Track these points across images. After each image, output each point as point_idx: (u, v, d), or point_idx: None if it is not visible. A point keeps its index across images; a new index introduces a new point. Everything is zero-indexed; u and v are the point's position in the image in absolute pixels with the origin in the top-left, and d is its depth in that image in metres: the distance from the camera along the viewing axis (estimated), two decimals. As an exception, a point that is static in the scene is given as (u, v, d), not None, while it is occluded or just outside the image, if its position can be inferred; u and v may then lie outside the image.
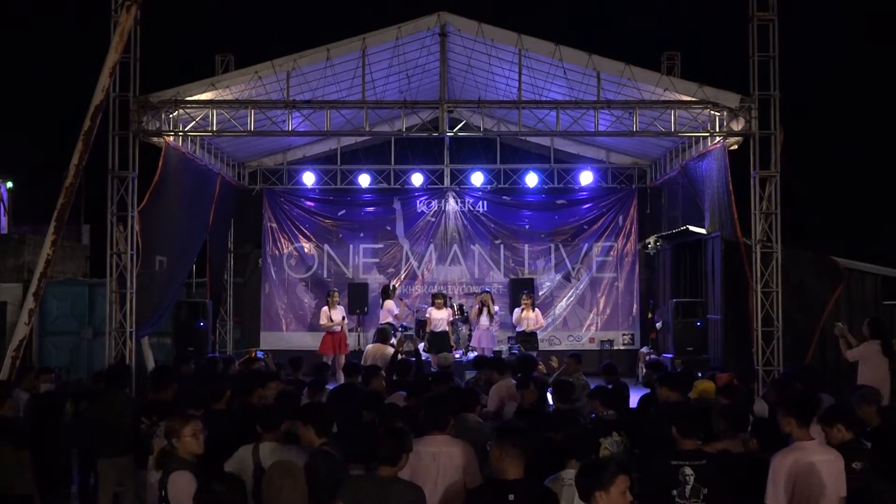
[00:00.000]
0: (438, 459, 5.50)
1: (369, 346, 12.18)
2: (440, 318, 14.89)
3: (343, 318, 15.26)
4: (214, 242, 15.75)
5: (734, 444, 6.07)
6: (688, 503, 5.08)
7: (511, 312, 16.53)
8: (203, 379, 8.85)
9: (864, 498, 5.42)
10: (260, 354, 14.05)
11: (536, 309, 15.30)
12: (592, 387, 8.47)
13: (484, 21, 12.63)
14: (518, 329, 14.98)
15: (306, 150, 17.57)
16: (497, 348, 15.81)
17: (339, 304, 15.35)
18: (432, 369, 11.93)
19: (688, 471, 5.13)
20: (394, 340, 12.98)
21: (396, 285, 16.74)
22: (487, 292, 15.67)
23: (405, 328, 15.28)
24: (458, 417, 6.46)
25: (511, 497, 4.53)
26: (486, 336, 15.10)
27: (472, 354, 14.35)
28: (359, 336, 16.30)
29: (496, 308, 15.44)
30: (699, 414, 5.71)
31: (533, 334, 14.84)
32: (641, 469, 5.75)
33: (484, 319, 15.11)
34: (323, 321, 15.14)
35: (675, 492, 5.10)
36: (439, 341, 14.46)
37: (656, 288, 17.09)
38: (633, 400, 9.24)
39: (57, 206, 9.83)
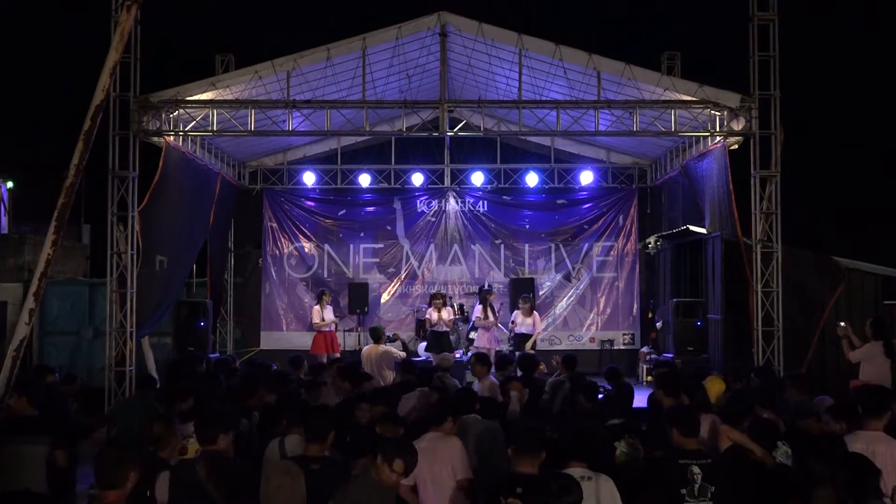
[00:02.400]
0: (428, 454, 5.66)
1: (365, 348, 12.16)
2: (440, 318, 14.82)
3: (333, 319, 15.19)
4: (215, 242, 15.75)
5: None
6: (696, 502, 5.12)
7: (511, 313, 16.50)
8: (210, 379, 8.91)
9: None
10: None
11: (535, 312, 15.16)
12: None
13: (484, 21, 12.63)
14: (517, 331, 14.86)
15: (306, 150, 17.56)
16: (499, 348, 15.75)
17: (329, 304, 15.31)
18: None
19: (695, 469, 5.19)
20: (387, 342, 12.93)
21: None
22: (490, 290, 15.52)
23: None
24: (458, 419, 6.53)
25: (519, 490, 4.63)
26: (490, 336, 14.97)
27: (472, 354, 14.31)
28: (359, 336, 16.29)
29: (497, 306, 15.30)
30: (696, 414, 5.76)
31: (527, 336, 14.71)
32: (649, 468, 5.80)
33: (489, 318, 15.02)
34: (316, 320, 15.07)
35: (683, 491, 5.15)
36: (439, 342, 14.43)
37: (656, 288, 17.09)
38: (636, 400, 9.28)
39: (57, 205, 9.80)
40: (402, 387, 8.46)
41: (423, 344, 15.47)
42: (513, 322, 14.93)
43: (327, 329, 15.00)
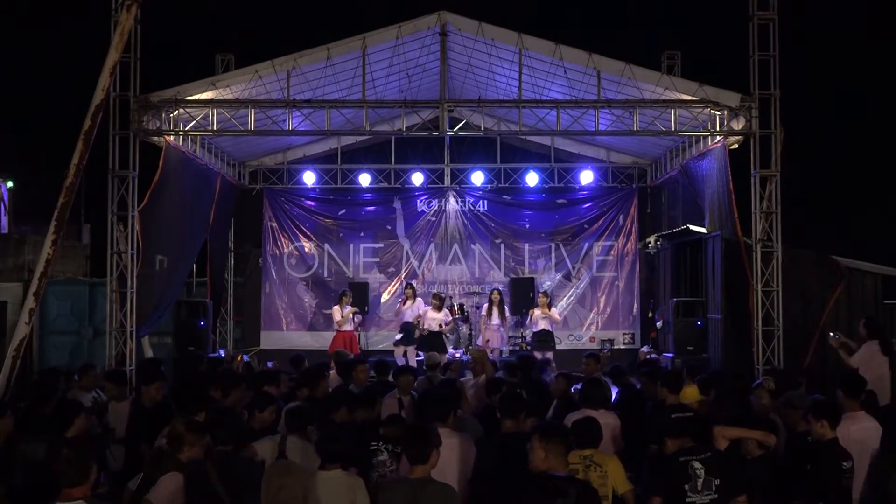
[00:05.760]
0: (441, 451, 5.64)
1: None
2: (434, 318, 14.89)
3: (352, 308, 15.25)
4: (215, 242, 15.75)
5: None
6: (700, 496, 5.11)
7: (511, 312, 16.54)
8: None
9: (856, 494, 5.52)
10: (246, 359, 14.15)
11: (553, 308, 15.22)
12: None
13: (484, 20, 12.63)
14: (533, 329, 14.96)
15: (306, 150, 17.56)
16: (507, 347, 15.79)
17: (349, 305, 15.32)
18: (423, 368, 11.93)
19: (696, 464, 5.18)
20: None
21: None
22: (498, 290, 15.58)
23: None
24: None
25: (554, 490, 4.60)
26: (497, 336, 15.04)
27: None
28: (359, 335, 16.29)
29: (505, 308, 15.42)
30: (687, 417, 5.79)
31: (549, 333, 14.80)
32: (650, 466, 5.81)
33: (495, 318, 15.08)
34: (337, 318, 15.10)
35: (686, 486, 5.14)
36: (431, 341, 14.50)
37: (657, 287, 17.08)
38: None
39: (57, 205, 9.82)
40: (380, 388, 8.49)
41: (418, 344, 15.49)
42: (530, 320, 15.01)
43: (348, 328, 15.01)
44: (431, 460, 4.92)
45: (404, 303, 15.38)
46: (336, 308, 15.23)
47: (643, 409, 7.94)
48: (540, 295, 15.31)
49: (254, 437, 6.04)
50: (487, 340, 15.05)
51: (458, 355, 14.76)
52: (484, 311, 15.32)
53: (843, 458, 5.78)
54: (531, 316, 15.07)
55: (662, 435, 5.57)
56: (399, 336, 15.18)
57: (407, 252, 17.56)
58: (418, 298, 15.45)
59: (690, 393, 7.67)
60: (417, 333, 15.09)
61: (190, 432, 5.32)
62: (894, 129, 22.36)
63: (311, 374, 8.55)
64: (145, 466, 5.63)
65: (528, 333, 15.26)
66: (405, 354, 14.90)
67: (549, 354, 14.32)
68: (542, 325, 14.74)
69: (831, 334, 10.34)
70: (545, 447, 4.91)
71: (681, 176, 15.09)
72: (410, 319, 15.11)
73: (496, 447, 5.74)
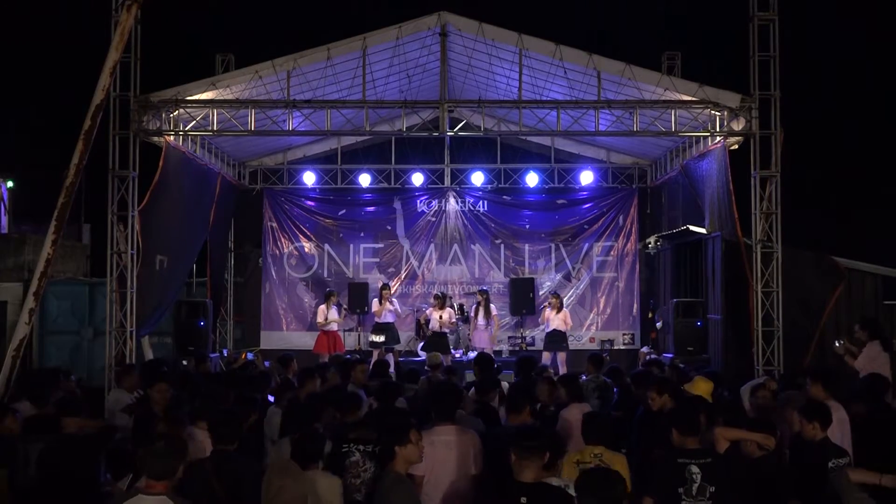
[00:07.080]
0: (454, 447, 5.71)
1: None
2: (438, 318, 14.91)
3: (336, 318, 15.30)
4: (215, 242, 15.75)
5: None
6: (694, 501, 5.09)
7: (511, 312, 16.59)
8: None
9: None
10: (250, 356, 14.18)
11: (564, 309, 15.29)
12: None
13: (484, 21, 12.64)
14: (546, 328, 15.01)
15: (306, 150, 17.56)
16: (497, 348, 15.81)
17: (335, 305, 15.37)
18: (425, 369, 11.94)
19: (694, 469, 5.16)
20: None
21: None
22: (484, 291, 15.65)
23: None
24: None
25: (524, 500, 4.54)
26: (485, 336, 15.09)
27: (472, 354, 14.35)
28: (359, 336, 16.29)
29: (492, 307, 15.45)
30: (695, 413, 5.76)
31: (562, 334, 14.84)
32: (647, 466, 5.80)
33: (480, 320, 15.14)
34: (319, 319, 15.18)
35: (681, 489, 5.12)
36: (437, 342, 14.50)
37: (657, 288, 17.08)
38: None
39: (57, 205, 9.82)
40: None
41: (423, 344, 15.50)
42: (542, 319, 15.11)
43: (330, 329, 15.03)
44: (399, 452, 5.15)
45: (380, 303, 15.19)
46: (321, 308, 15.28)
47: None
48: (551, 296, 15.38)
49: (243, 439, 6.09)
50: (470, 341, 15.12)
51: (457, 356, 14.80)
52: (472, 312, 15.38)
53: (838, 455, 5.76)
54: (543, 315, 15.16)
55: (671, 425, 5.52)
56: (380, 338, 14.94)
57: (407, 252, 17.55)
58: (394, 300, 15.53)
59: (704, 387, 7.67)
60: (422, 333, 15.13)
61: (172, 425, 5.39)
62: (894, 130, 22.38)
63: (301, 376, 8.60)
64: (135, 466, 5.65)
65: (533, 334, 15.31)
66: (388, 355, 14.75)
67: (562, 355, 14.45)
68: (555, 324, 14.79)
69: (836, 343, 10.28)
70: (517, 455, 4.75)
71: (681, 176, 15.09)
72: (392, 320, 15.12)
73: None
